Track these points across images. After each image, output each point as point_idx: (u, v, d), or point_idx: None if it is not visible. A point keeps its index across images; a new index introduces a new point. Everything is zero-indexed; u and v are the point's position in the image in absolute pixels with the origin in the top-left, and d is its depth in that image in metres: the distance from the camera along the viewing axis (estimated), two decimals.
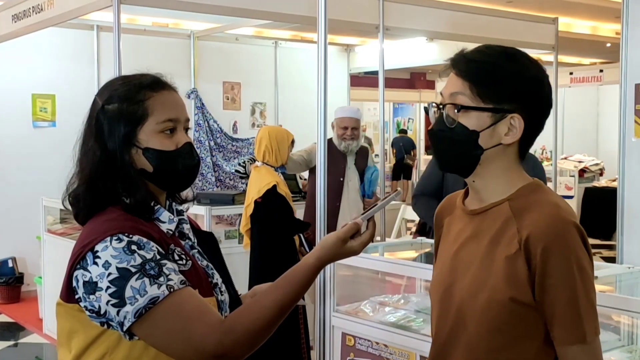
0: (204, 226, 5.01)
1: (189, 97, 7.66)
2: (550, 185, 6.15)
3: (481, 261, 1.49)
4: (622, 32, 3.77)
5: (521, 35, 6.21)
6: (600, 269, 3.19)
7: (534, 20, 6.60)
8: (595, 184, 10.63)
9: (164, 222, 1.58)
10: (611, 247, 7.59)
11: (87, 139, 1.59)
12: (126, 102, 1.56)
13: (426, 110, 1.57)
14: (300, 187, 5.73)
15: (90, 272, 1.44)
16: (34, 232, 6.37)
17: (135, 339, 1.47)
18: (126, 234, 1.46)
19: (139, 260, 1.44)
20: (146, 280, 1.42)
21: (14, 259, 7.04)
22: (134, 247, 1.45)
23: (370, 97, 12.59)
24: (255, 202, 4.39)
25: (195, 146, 1.67)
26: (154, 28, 7.69)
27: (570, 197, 9.78)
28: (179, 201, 1.71)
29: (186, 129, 1.63)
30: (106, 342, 1.49)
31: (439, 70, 1.56)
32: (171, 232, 1.59)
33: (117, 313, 1.43)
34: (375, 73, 5.89)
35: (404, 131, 16.18)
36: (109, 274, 1.43)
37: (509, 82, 1.47)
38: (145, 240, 1.47)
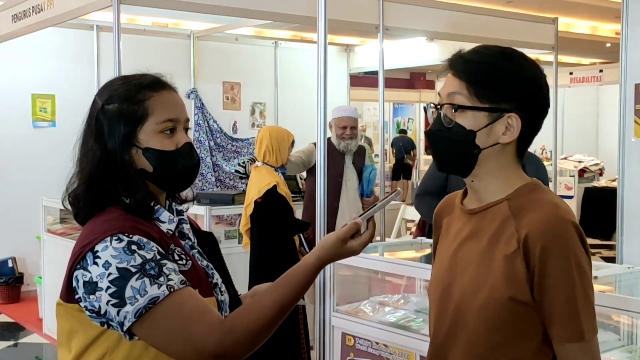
0: (204, 226, 5.01)
1: (188, 97, 7.66)
2: (550, 185, 6.15)
3: (480, 260, 1.49)
4: (622, 32, 3.77)
5: (521, 36, 6.21)
6: (600, 269, 3.19)
7: (533, 20, 6.61)
8: (595, 184, 10.63)
9: (164, 222, 1.58)
10: (611, 247, 7.60)
11: (87, 139, 1.59)
12: (126, 102, 1.56)
13: (425, 110, 1.58)
14: (301, 187, 5.73)
15: (90, 272, 1.45)
16: (34, 232, 6.38)
17: (135, 339, 1.47)
18: (126, 234, 1.46)
19: (139, 260, 1.44)
20: (146, 280, 1.42)
21: (14, 259, 7.04)
22: (134, 247, 1.45)
23: (370, 97, 12.61)
24: (255, 202, 4.39)
25: (195, 146, 1.67)
26: (154, 28, 7.69)
27: (570, 197, 9.78)
28: (178, 201, 1.71)
29: (186, 129, 1.64)
30: (106, 342, 1.49)
31: (439, 70, 1.57)
32: (171, 232, 1.59)
33: (117, 313, 1.43)
34: (375, 73, 5.89)
35: (403, 131, 16.19)
36: (109, 274, 1.43)
37: (505, 81, 1.47)
38: (145, 240, 1.47)
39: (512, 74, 1.48)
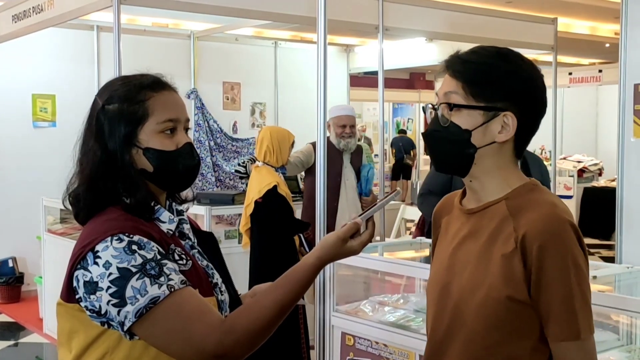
0: (204, 226, 5.02)
1: (188, 97, 7.67)
2: (550, 184, 6.15)
3: (478, 260, 1.50)
4: (621, 32, 3.78)
5: (520, 36, 6.22)
6: (599, 268, 3.20)
7: (533, 21, 6.61)
8: (595, 184, 10.65)
9: (164, 222, 1.58)
10: (610, 247, 7.60)
11: (88, 139, 1.59)
12: (126, 102, 1.56)
13: (424, 110, 1.59)
14: (301, 187, 5.73)
15: (90, 272, 1.45)
16: (34, 232, 6.38)
17: (136, 339, 1.47)
18: (127, 234, 1.46)
19: (139, 260, 1.44)
20: (147, 280, 1.43)
21: (14, 259, 7.05)
22: (134, 247, 1.45)
23: (369, 97, 12.60)
24: (256, 202, 4.40)
25: (195, 146, 1.67)
26: (154, 28, 7.69)
27: (570, 197, 9.79)
28: (179, 201, 1.72)
29: (186, 129, 1.64)
30: (106, 342, 1.49)
31: (437, 70, 1.58)
32: (171, 232, 1.59)
33: (118, 313, 1.43)
34: (375, 73, 5.89)
35: (403, 131, 16.20)
36: (110, 274, 1.43)
37: (501, 81, 1.48)
38: (145, 240, 1.48)
39: (508, 73, 1.49)
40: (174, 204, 1.69)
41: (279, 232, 4.44)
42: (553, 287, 1.41)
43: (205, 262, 1.65)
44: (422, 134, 1.59)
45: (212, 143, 7.83)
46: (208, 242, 1.72)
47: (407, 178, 15.21)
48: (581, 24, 9.30)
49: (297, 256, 4.45)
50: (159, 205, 1.60)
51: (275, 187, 4.36)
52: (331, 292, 3.30)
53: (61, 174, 1.67)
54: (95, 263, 1.45)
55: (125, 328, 1.44)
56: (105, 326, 1.47)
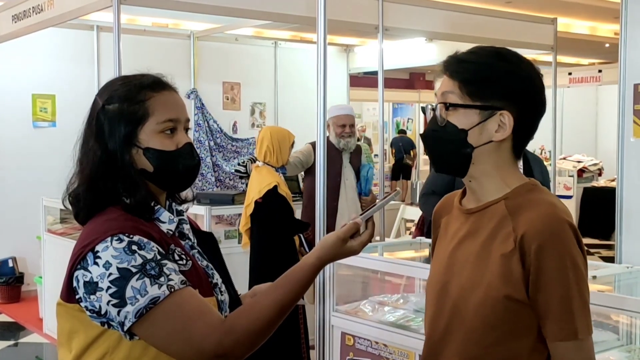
0: (204, 226, 5.02)
1: (188, 97, 7.67)
2: (550, 184, 6.16)
3: (477, 259, 1.50)
4: (621, 32, 3.78)
5: (520, 36, 6.22)
6: (599, 268, 3.20)
7: (532, 21, 6.61)
8: (594, 183, 10.66)
9: (164, 222, 1.58)
10: (610, 247, 7.61)
11: (88, 138, 1.59)
12: (127, 102, 1.56)
13: (423, 110, 1.60)
14: (301, 187, 5.74)
15: (90, 273, 1.45)
16: (34, 232, 6.38)
17: (136, 339, 1.47)
18: (127, 234, 1.46)
19: (139, 261, 1.44)
20: (147, 280, 1.43)
21: (14, 259, 7.05)
22: (134, 247, 1.45)
23: (369, 97, 12.60)
24: (256, 202, 4.40)
25: (195, 146, 1.67)
26: (154, 28, 7.69)
27: (569, 197, 9.79)
28: (178, 201, 1.72)
29: (186, 130, 1.64)
30: (106, 342, 1.49)
31: (437, 71, 1.58)
32: (171, 233, 1.59)
33: (118, 313, 1.43)
34: (375, 73, 5.89)
35: (403, 131, 16.21)
36: (110, 274, 1.43)
37: (496, 79, 1.49)
38: (145, 240, 1.48)
39: (503, 72, 1.49)
40: (173, 204, 1.69)
41: (279, 232, 4.44)
42: (551, 286, 1.41)
43: (205, 263, 1.65)
44: (421, 134, 1.60)
45: (212, 143, 7.83)
46: (208, 242, 1.72)
47: (407, 178, 15.22)
48: (581, 24, 9.31)
49: (297, 256, 4.45)
50: (158, 206, 1.60)
51: (275, 187, 4.36)
52: (331, 292, 3.30)
53: (61, 174, 1.68)
54: (95, 263, 1.45)
55: (125, 328, 1.44)
56: (105, 326, 1.47)
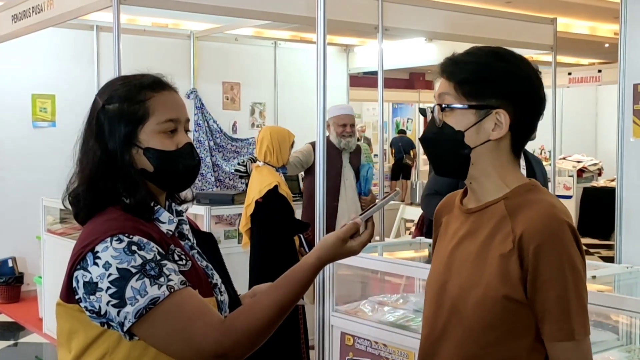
0: (204, 226, 5.02)
1: (188, 97, 7.67)
2: (549, 185, 6.16)
3: (476, 259, 1.50)
4: (621, 32, 3.78)
5: (520, 36, 6.22)
6: (599, 268, 3.20)
7: (532, 21, 6.61)
8: (594, 183, 10.66)
9: (163, 223, 1.58)
10: (609, 247, 7.61)
11: (88, 138, 1.59)
12: (127, 102, 1.56)
13: (421, 112, 1.60)
14: (301, 187, 5.74)
15: (90, 273, 1.45)
16: (34, 232, 6.38)
17: (136, 339, 1.47)
18: (126, 235, 1.46)
19: (139, 261, 1.44)
20: (146, 280, 1.43)
21: (13, 259, 7.05)
22: (134, 247, 1.45)
23: (369, 97, 12.60)
24: (256, 201, 4.40)
25: (194, 146, 1.67)
26: (154, 28, 7.69)
27: (569, 197, 9.80)
28: (178, 202, 1.72)
29: (186, 130, 1.64)
30: (106, 343, 1.49)
31: (436, 71, 1.59)
32: (171, 233, 1.59)
33: (118, 313, 1.43)
34: (375, 73, 5.89)
35: (402, 131, 16.21)
36: (110, 274, 1.43)
37: (491, 78, 1.49)
38: (145, 240, 1.48)
39: (498, 71, 1.50)
40: (173, 204, 1.69)
41: (279, 232, 4.44)
42: (549, 287, 1.41)
43: (204, 263, 1.65)
44: (419, 138, 1.60)
45: (211, 143, 7.83)
46: (207, 243, 1.72)
47: (407, 178, 15.22)
48: (581, 24, 9.31)
49: (297, 256, 4.45)
50: (158, 206, 1.60)
51: (276, 187, 4.36)
52: (331, 292, 3.30)
53: (61, 174, 1.68)
54: (95, 264, 1.45)
55: (125, 329, 1.44)
56: (105, 327, 1.47)
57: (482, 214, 1.53)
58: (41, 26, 5.31)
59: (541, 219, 1.43)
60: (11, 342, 5.89)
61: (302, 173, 5.29)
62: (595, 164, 10.92)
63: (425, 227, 4.26)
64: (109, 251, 1.44)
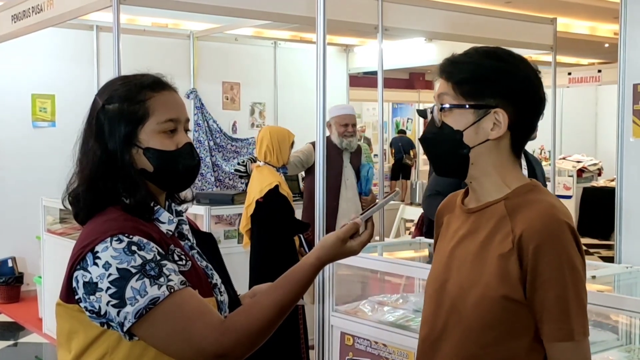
0: (204, 226, 5.02)
1: (188, 97, 7.67)
2: (548, 185, 6.16)
3: (475, 258, 1.51)
4: (621, 32, 3.78)
5: (519, 36, 6.22)
6: (599, 268, 3.21)
7: (532, 21, 6.61)
8: (594, 183, 10.67)
9: (163, 223, 1.58)
10: (609, 247, 7.61)
11: (88, 138, 1.59)
12: (127, 102, 1.56)
13: (419, 114, 1.61)
14: (301, 187, 5.74)
15: (90, 273, 1.45)
16: (34, 232, 6.38)
17: (136, 340, 1.47)
18: (126, 235, 1.46)
19: (139, 261, 1.44)
20: (146, 280, 1.43)
21: (13, 259, 7.05)
22: (134, 247, 1.45)
23: (369, 97, 12.59)
24: (257, 202, 4.39)
25: (194, 146, 1.67)
26: (154, 28, 7.70)
27: (569, 197, 9.80)
28: (178, 202, 1.72)
29: (186, 130, 1.64)
30: (106, 343, 1.49)
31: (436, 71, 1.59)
32: (171, 233, 1.59)
33: (118, 314, 1.43)
34: (374, 73, 5.89)
35: (402, 131, 16.21)
36: (109, 274, 1.43)
37: (489, 78, 1.50)
38: (145, 240, 1.48)
39: (496, 70, 1.50)
40: (173, 204, 1.69)
41: (279, 232, 4.44)
42: (548, 287, 1.41)
43: (204, 263, 1.65)
44: (419, 138, 1.60)
45: (211, 143, 7.83)
46: (207, 243, 1.72)
47: (407, 178, 15.22)
48: (580, 24, 9.31)
49: (297, 256, 4.45)
50: (158, 206, 1.60)
51: (276, 187, 4.36)
52: (330, 292, 3.30)
53: (61, 174, 1.67)
54: (95, 264, 1.44)
55: (125, 329, 1.44)
56: (105, 327, 1.47)
57: (482, 214, 1.54)
58: (41, 26, 5.31)
59: (541, 219, 1.43)
60: (11, 342, 5.89)
61: (303, 173, 5.29)
62: (595, 164, 10.92)
63: (425, 227, 4.26)
64: (109, 251, 1.44)
